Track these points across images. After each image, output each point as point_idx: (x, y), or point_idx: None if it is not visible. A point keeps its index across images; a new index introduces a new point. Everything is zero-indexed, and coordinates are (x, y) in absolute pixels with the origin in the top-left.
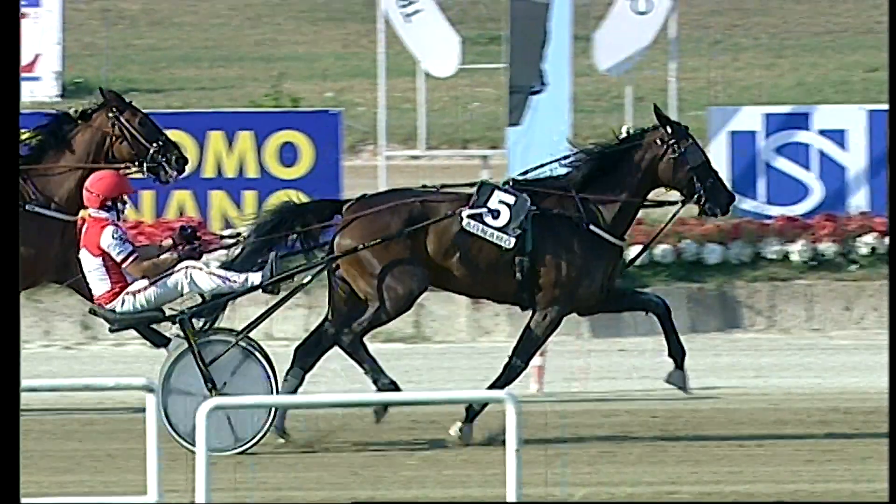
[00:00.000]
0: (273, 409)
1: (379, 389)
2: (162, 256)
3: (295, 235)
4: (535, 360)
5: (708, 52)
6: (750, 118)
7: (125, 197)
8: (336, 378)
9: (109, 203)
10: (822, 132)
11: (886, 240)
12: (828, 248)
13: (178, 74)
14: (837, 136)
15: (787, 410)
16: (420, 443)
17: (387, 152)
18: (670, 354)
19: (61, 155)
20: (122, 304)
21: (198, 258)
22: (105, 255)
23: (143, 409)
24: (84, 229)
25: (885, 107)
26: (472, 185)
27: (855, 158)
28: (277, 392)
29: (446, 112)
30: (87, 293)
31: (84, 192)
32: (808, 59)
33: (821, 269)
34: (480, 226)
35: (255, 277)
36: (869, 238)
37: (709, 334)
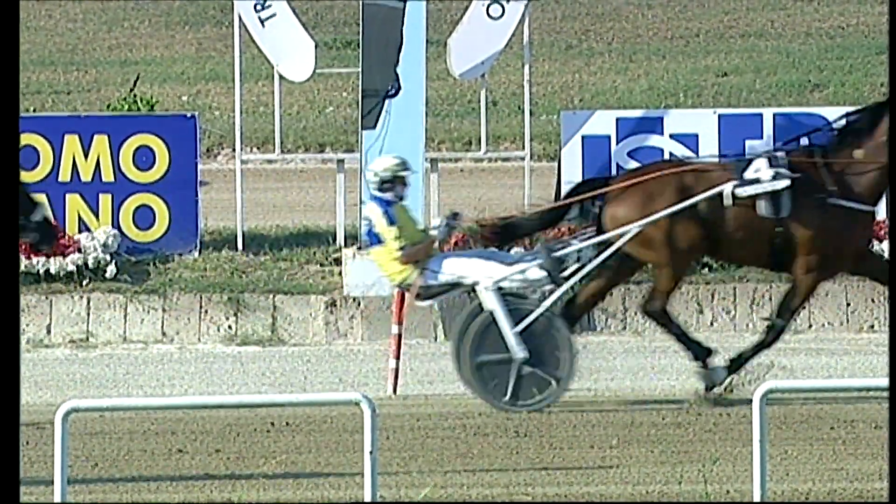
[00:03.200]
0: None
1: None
2: None
3: None
4: (391, 363)
5: (561, 56)
6: (603, 122)
7: None
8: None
9: None
10: (674, 136)
11: None
12: None
13: (33, 78)
14: (689, 140)
15: (639, 412)
16: (276, 445)
17: (243, 156)
18: None
19: (860, 145)
20: None
21: None
22: None
23: None
24: None
25: (736, 111)
26: None
27: None
28: None
29: (302, 116)
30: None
31: None
32: (661, 64)
33: None
34: None
35: None
36: None
37: None
